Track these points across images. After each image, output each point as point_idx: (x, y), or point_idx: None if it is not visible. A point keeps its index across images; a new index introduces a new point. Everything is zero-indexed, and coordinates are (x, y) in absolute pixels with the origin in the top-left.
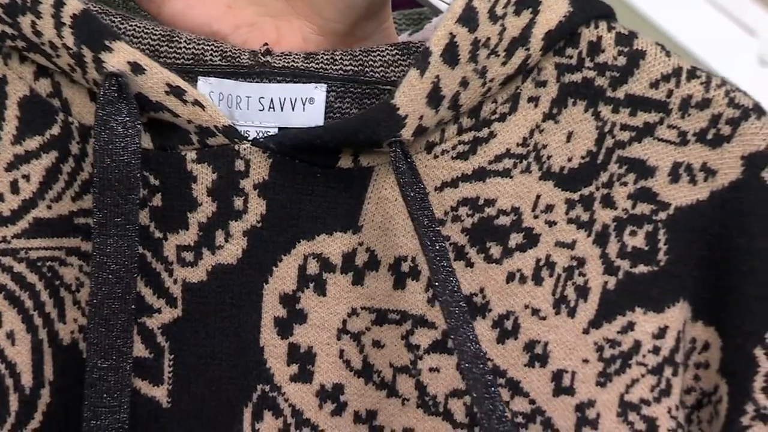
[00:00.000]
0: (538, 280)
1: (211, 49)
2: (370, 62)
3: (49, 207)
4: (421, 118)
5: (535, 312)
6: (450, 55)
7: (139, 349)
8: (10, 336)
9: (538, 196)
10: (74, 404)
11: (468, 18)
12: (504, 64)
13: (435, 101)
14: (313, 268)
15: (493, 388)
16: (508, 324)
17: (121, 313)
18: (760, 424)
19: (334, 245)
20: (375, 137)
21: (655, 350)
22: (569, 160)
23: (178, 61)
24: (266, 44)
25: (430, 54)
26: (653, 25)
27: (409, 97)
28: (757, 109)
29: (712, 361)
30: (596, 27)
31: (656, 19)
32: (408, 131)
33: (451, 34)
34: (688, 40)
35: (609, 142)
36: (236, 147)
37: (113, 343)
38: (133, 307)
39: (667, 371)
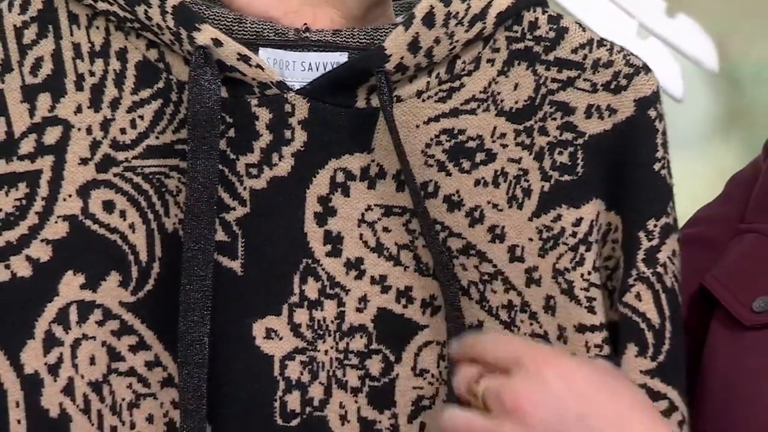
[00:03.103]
0: (496, 184)
1: (268, 28)
2: (378, 36)
3: (157, 137)
4: (402, 58)
5: (495, 206)
6: (428, 20)
7: (221, 235)
8: (132, 226)
9: (495, 127)
10: (175, 274)
11: None
12: (467, 31)
13: (414, 49)
14: (340, 177)
15: (448, 259)
16: (477, 214)
17: (207, 210)
18: (639, 284)
19: (354, 162)
20: (367, 66)
21: (573, 234)
22: (516, 102)
23: (245, 37)
24: (306, 24)
25: (414, 18)
26: (565, 10)
27: (395, 42)
28: (645, 68)
29: (618, 238)
30: (534, 11)
31: (567, 7)
32: (391, 64)
33: (431, 6)
34: (590, 23)
35: (543, 90)
36: (285, 95)
37: (201, 231)
38: (215, 207)
39: (581, 249)
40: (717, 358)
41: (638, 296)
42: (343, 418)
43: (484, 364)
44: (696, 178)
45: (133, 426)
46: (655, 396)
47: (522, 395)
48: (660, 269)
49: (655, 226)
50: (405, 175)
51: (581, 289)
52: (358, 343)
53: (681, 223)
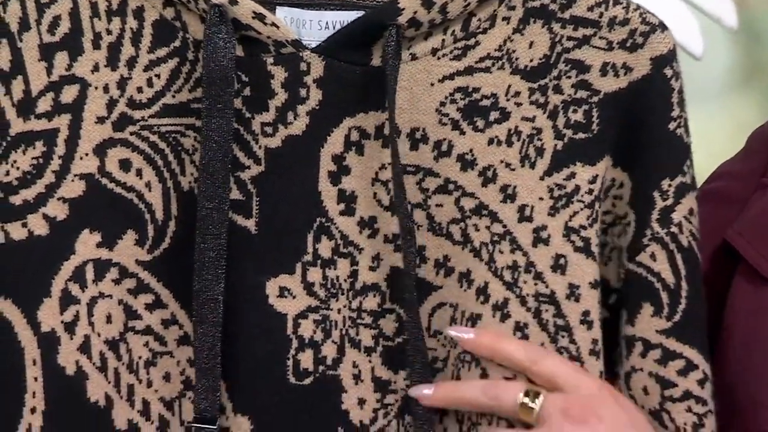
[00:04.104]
0: (509, 143)
1: None
2: None
3: (173, 96)
4: (415, 12)
5: (507, 165)
6: None
7: (236, 194)
8: (148, 185)
9: (509, 86)
10: (191, 233)
11: None
12: None
13: (427, 4)
14: (354, 136)
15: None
16: (489, 173)
17: (221, 169)
18: (654, 244)
19: (368, 120)
20: (380, 20)
21: (590, 191)
22: (531, 60)
23: None
24: None
25: None
26: None
27: None
28: (662, 26)
29: (625, 195)
30: None
31: None
32: (404, 18)
33: None
34: None
35: (558, 48)
36: (300, 54)
37: (216, 190)
38: (230, 166)
39: (596, 206)
40: (739, 313)
41: (653, 256)
42: (357, 378)
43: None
44: (715, 133)
45: (150, 384)
46: (671, 356)
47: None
48: (674, 229)
49: (670, 185)
50: (390, 130)
51: (596, 245)
52: (371, 302)
53: (700, 179)
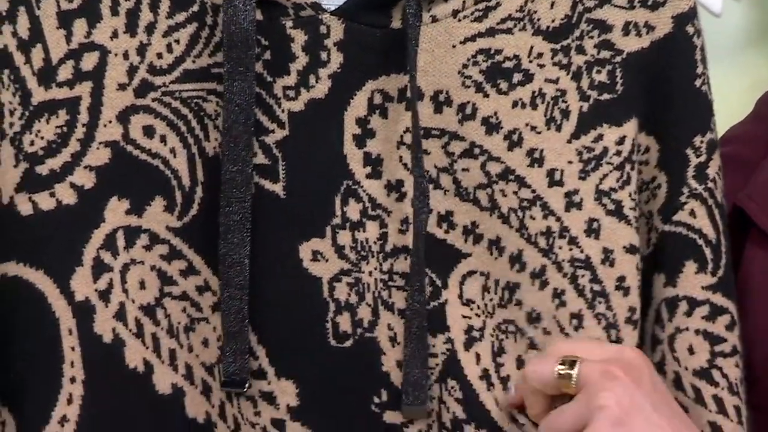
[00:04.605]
0: (534, 105)
1: None
2: None
3: (194, 61)
4: None
5: (533, 128)
6: None
7: (261, 158)
8: (173, 151)
9: (531, 47)
10: (218, 198)
11: None
12: None
13: None
14: (377, 99)
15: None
16: (515, 137)
17: (244, 132)
18: (693, 200)
19: (391, 83)
20: None
21: (618, 153)
22: (552, 21)
23: None
24: None
25: None
26: None
27: None
28: None
29: (651, 160)
30: None
31: None
32: None
33: None
34: None
35: (580, 8)
36: (320, 17)
37: (239, 153)
38: (252, 129)
39: (627, 167)
40: (753, 278)
41: (692, 213)
42: (393, 340)
43: None
44: (731, 91)
45: (191, 348)
46: (719, 311)
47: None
48: (711, 184)
49: (702, 142)
50: (411, 91)
51: (630, 208)
52: (402, 264)
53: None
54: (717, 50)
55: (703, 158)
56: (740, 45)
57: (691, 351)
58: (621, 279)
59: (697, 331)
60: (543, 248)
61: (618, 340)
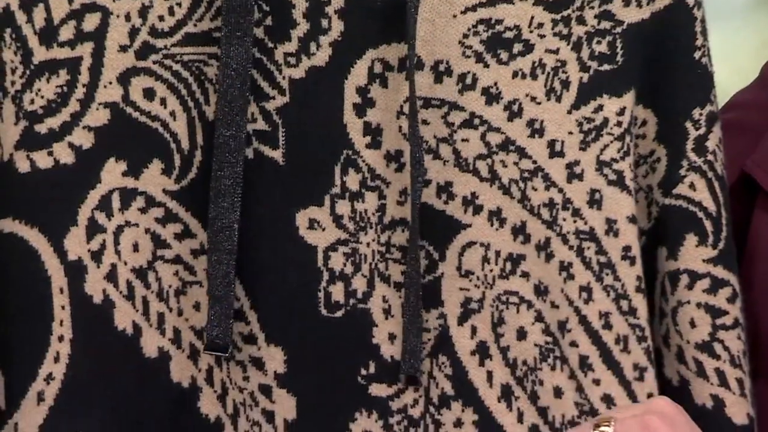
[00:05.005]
0: (534, 76)
1: None
2: None
3: (195, 25)
4: None
5: (533, 99)
6: None
7: (261, 124)
8: (173, 114)
9: (532, 17)
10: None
11: None
12: None
13: None
14: (378, 68)
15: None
16: (515, 107)
17: (240, 97)
18: (692, 173)
19: (392, 52)
20: None
21: (618, 124)
22: None
23: None
24: None
25: None
26: None
27: None
28: None
29: (649, 133)
30: None
31: None
32: None
33: None
34: None
35: None
36: None
37: (233, 118)
38: (248, 94)
39: (627, 138)
40: (760, 244)
41: (692, 186)
42: (387, 312)
43: None
44: (740, 49)
45: (180, 312)
46: (720, 284)
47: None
48: (710, 157)
49: (701, 114)
50: (409, 59)
51: (630, 179)
52: (400, 237)
53: (725, 96)
54: (726, 7)
55: (702, 131)
56: (750, 3)
57: (692, 324)
58: (626, 249)
59: (698, 305)
60: (547, 220)
61: (630, 310)
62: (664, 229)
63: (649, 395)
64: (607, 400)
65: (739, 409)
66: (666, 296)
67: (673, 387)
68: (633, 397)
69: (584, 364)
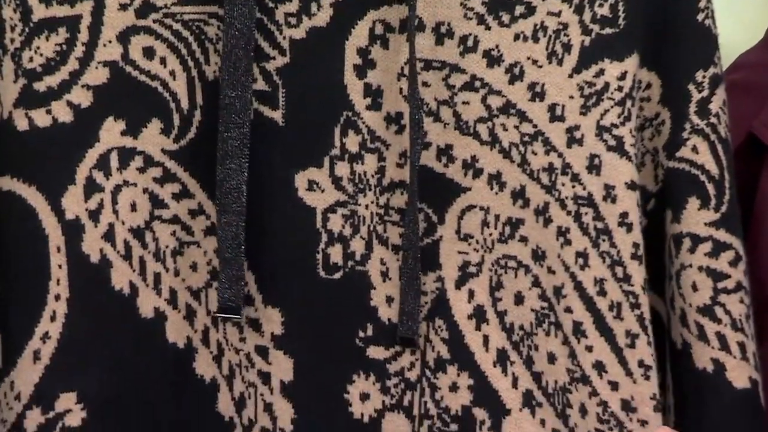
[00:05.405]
0: (535, 38)
1: None
2: None
3: None
4: None
5: (534, 62)
6: None
7: (261, 85)
8: (172, 73)
9: None
10: (217, 122)
11: None
12: None
13: None
14: (379, 29)
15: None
16: (516, 70)
17: (244, 57)
18: (695, 136)
19: (392, 13)
20: None
21: (619, 88)
22: None
23: None
24: None
25: None
26: None
27: None
28: None
29: (653, 96)
30: None
31: None
32: None
33: None
34: None
35: None
36: None
37: (239, 78)
38: (253, 54)
39: (628, 103)
40: None
41: (695, 149)
42: (385, 275)
43: None
44: (746, 5)
45: (177, 273)
46: (722, 247)
47: None
48: (713, 119)
49: (704, 77)
50: (410, 18)
51: (630, 145)
52: (398, 199)
53: (733, 51)
54: None
55: (705, 93)
56: None
57: (694, 288)
58: (623, 215)
59: (700, 268)
60: (546, 185)
61: (625, 277)
62: (669, 192)
63: (640, 363)
64: (599, 367)
65: (740, 373)
66: (672, 259)
67: (676, 350)
68: (624, 364)
69: (578, 330)
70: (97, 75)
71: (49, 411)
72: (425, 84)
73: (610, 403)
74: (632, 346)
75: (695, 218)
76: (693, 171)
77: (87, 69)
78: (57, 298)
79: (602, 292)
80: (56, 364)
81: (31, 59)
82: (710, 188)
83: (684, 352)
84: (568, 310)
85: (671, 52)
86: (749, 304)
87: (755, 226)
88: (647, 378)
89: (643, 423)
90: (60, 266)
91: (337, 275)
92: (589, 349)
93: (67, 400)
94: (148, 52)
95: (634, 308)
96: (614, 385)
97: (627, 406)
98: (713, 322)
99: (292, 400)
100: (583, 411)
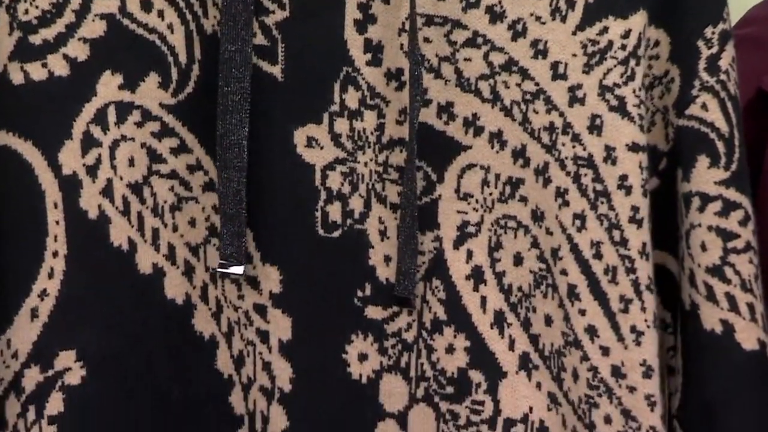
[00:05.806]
0: None
1: None
2: None
3: None
4: None
5: (538, 18)
6: None
7: (261, 39)
8: (170, 27)
9: None
10: (215, 77)
11: None
12: None
13: None
14: None
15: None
16: (519, 27)
17: (243, 11)
18: (704, 93)
19: None
20: None
21: (623, 47)
22: None
23: None
24: None
25: None
26: None
27: None
28: None
29: (662, 54)
30: None
31: None
32: None
33: None
34: None
35: None
36: None
37: (238, 32)
38: (252, 8)
39: (632, 62)
40: None
41: (704, 106)
42: (383, 234)
43: None
44: None
45: (175, 228)
46: (732, 206)
47: None
48: (723, 76)
49: (713, 33)
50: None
51: (633, 105)
52: (398, 157)
53: (740, 9)
54: None
55: (714, 50)
56: None
57: (703, 248)
58: (623, 178)
59: (709, 228)
60: (546, 144)
61: (622, 241)
62: (679, 151)
63: (632, 328)
64: (591, 331)
65: (749, 335)
66: (682, 219)
67: (685, 311)
68: (616, 329)
69: (572, 293)
70: (94, 28)
71: (48, 369)
72: (426, 40)
73: (600, 368)
74: (625, 311)
75: (705, 177)
76: (703, 129)
77: (83, 21)
78: (55, 254)
79: (598, 255)
80: (55, 321)
81: (26, 11)
82: (720, 146)
83: (692, 313)
84: (564, 272)
85: (679, 8)
86: (758, 264)
87: (764, 183)
88: (638, 344)
89: (632, 389)
90: (57, 222)
91: (336, 233)
92: (582, 312)
93: (66, 358)
94: (146, 5)
95: (629, 273)
96: (605, 350)
97: (617, 372)
98: (722, 283)
99: (290, 359)
100: (575, 375)
